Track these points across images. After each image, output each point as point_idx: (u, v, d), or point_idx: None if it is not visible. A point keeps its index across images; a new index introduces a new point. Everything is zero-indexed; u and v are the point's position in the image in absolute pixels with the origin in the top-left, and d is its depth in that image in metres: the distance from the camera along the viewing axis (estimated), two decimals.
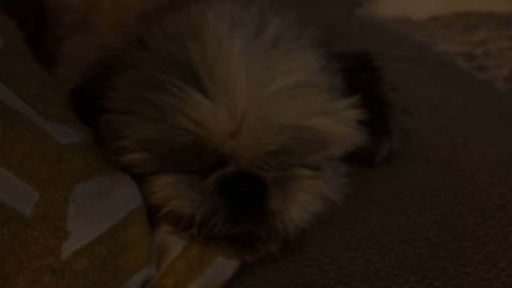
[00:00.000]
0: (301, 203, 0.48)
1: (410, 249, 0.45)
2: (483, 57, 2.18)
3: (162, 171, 0.48)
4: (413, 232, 0.47)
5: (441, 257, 0.44)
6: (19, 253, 0.34)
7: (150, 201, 0.47)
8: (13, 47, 0.42)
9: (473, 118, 0.69)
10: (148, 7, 0.66)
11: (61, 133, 0.41)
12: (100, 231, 0.38)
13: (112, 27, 0.69)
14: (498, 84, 2.00)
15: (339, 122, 0.49)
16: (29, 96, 0.39)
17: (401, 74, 0.84)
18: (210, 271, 0.45)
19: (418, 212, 0.50)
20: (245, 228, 0.47)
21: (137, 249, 0.41)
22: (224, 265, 0.47)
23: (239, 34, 0.47)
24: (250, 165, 0.47)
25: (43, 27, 0.77)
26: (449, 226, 0.47)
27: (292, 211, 0.48)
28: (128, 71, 0.49)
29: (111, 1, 0.74)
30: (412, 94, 0.75)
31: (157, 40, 0.50)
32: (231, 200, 0.46)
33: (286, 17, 0.54)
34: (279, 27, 0.50)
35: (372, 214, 0.52)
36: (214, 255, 0.46)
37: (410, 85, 0.80)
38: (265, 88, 0.45)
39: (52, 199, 0.37)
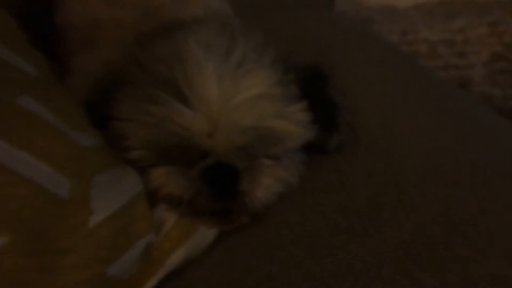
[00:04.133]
0: (265, 185, 0.64)
1: (344, 217, 0.61)
2: (463, 43, 2.32)
3: (158, 164, 0.63)
4: (348, 205, 0.63)
5: (365, 222, 0.59)
6: (58, 224, 0.50)
7: (149, 187, 0.62)
8: (44, 75, 0.57)
9: (414, 114, 0.83)
10: (142, 27, 0.80)
11: (83, 138, 0.56)
12: (115, 207, 0.54)
13: (112, 44, 0.83)
14: (477, 69, 2.14)
15: (291, 123, 0.64)
16: (61, 113, 0.55)
17: (361, 75, 0.99)
18: (196, 237, 0.61)
19: (354, 190, 0.66)
20: (223, 205, 0.62)
21: (142, 220, 0.57)
22: (206, 232, 0.62)
23: (212, 57, 0.62)
24: (225, 157, 0.62)
25: (55, 43, 0.91)
26: (375, 200, 0.63)
27: (258, 191, 0.63)
28: (129, 88, 0.64)
29: (110, 21, 0.88)
30: (367, 93, 0.90)
31: (151, 63, 0.64)
32: (211, 184, 0.61)
33: (252, 40, 0.68)
34: (244, 50, 0.65)
35: (321, 191, 0.67)
36: (199, 225, 0.62)
37: (367, 85, 0.95)
38: (232, 100, 0.60)
39: (80, 187, 0.52)
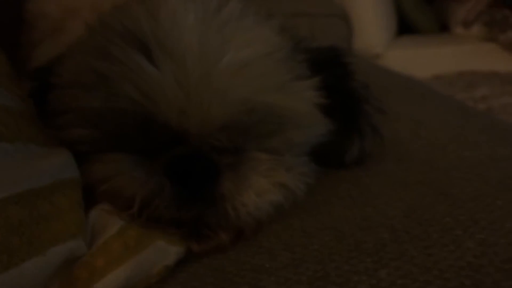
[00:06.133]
0: (256, 188, 0.44)
1: (370, 234, 0.41)
2: (487, 112, 2.16)
3: (105, 150, 0.44)
4: (376, 221, 0.43)
5: (402, 240, 0.39)
6: None
7: (89, 178, 0.43)
8: None
9: (454, 129, 0.66)
10: None
11: None
12: (18, 190, 0.35)
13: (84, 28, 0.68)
14: None
15: (298, 100, 0.46)
16: None
17: (386, 95, 0.82)
18: (147, 253, 0.41)
19: (385, 203, 0.46)
20: (192, 213, 0.43)
21: (62, 219, 0.37)
22: (166, 250, 0.42)
23: (195, 9, 0.46)
24: (201, 144, 0.43)
25: (20, 31, 0.77)
26: (416, 214, 0.43)
27: (246, 196, 0.44)
28: (79, 46, 0.47)
29: (89, 8, 0.74)
30: (394, 110, 0.73)
31: (115, 19, 0.48)
32: (177, 181, 0.42)
33: (252, 5, 0.52)
34: (242, 8, 0.48)
35: (337, 206, 0.47)
36: (155, 238, 0.42)
37: (394, 104, 0.78)
38: (218, 61, 0.43)
39: None
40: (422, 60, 2.66)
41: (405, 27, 2.76)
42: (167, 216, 0.42)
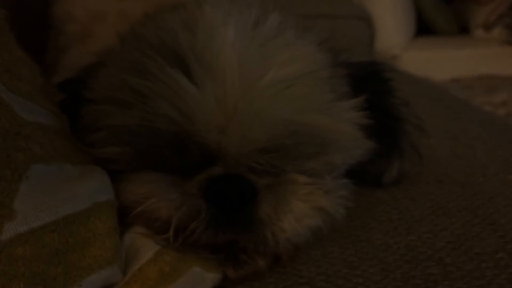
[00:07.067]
0: (296, 212, 0.42)
1: (418, 268, 0.39)
2: (506, 118, 2.13)
3: (140, 169, 0.43)
4: (423, 252, 0.41)
5: (455, 277, 0.37)
6: None
7: (123, 199, 0.42)
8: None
9: (491, 147, 0.64)
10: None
11: (27, 109, 0.37)
12: (54, 217, 0.33)
13: (113, 35, 0.66)
14: None
15: (340, 122, 0.44)
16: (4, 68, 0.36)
17: (417, 108, 0.80)
18: (184, 281, 0.39)
19: (430, 232, 0.44)
20: (229, 237, 0.41)
21: (99, 245, 0.36)
22: (202, 276, 0.40)
23: (234, 23, 0.44)
24: (239, 165, 0.41)
25: (48, 36, 0.76)
26: (465, 247, 0.41)
27: (285, 221, 0.42)
28: (113, 59, 0.46)
29: (117, 13, 0.73)
30: (428, 124, 0.71)
31: (149, 30, 0.46)
32: (215, 203, 0.40)
33: (290, 17, 0.50)
34: (281, 23, 0.47)
35: (377, 233, 0.45)
36: (191, 264, 0.40)
37: (427, 117, 0.76)
38: (259, 80, 0.41)
39: (2, 173, 0.32)
40: (440, 62, 2.61)
41: (423, 28, 2.71)
42: (203, 241, 0.41)
